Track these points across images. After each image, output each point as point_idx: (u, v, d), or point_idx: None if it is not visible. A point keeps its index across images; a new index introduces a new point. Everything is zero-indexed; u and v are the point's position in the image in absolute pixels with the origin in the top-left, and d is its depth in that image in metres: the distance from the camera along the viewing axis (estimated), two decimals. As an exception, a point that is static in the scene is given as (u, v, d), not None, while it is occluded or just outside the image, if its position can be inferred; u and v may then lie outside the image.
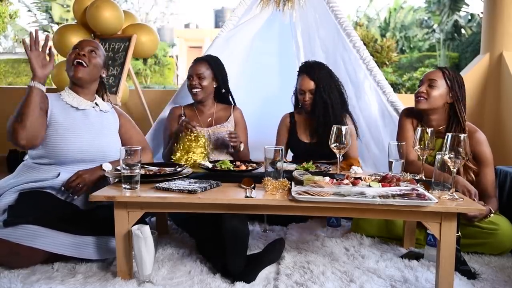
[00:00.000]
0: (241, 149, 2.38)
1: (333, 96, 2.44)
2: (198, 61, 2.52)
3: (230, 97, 2.60)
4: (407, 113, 2.25)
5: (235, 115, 2.55)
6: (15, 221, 1.69)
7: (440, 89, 2.10)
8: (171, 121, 2.52)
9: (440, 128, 2.12)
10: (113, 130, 2.08)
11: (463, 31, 14.41)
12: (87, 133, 1.94)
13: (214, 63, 2.50)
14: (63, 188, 1.85)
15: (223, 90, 2.56)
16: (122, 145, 2.04)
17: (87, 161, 1.91)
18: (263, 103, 3.08)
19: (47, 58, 1.83)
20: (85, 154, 1.91)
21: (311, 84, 2.43)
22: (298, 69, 2.56)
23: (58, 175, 1.86)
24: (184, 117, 2.45)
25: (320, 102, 2.42)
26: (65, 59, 2.24)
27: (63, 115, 1.93)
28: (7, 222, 1.70)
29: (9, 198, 1.82)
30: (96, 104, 2.04)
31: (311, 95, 2.45)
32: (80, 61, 1.95)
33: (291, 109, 2.64)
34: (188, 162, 2.16)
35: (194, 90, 2.45)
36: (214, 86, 2.50)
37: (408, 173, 1.93)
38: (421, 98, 2.13)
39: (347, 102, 2.55)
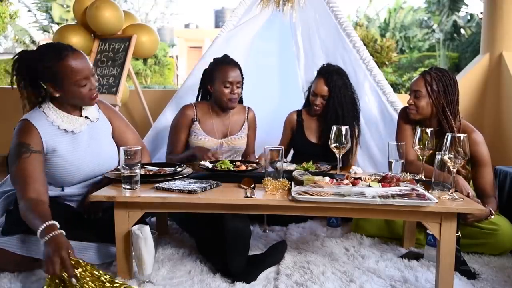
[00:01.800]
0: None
1: (346, 107, 2.40)
2: (233, 66, 2.33)
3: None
4: (405, 113, 2.25)
5: (249, 120, 2.49)
6: (14, 230, 1.67)
7: (426, 98, 2.10)
8: (181, 123, 2.37)
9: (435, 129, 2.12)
10: (107, 138, 1.93)
11: (462, 31, 14.41)
12: (85, 153, 1.81)
13: (241, 68, 2.38)
14: (86, 216, 1.78)
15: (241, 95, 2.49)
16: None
17: (88, 178, 1.86)
18: (263, 103, 3.07)
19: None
20: (86, 174, 1.83)
21: (325, 90, 2.41)
22: (318, 70, 2.53)
23: (62, 189, 1.82)
24: (198, 121, 2.35)
25: (333, 111, 2.39)
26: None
27: (60, 145, 1.75)
28: (5, 231, 1.68)
29: (6, 201, 1.79)
30: (87, 117, 1.84)
31: (323, 100, 2.42)
32: (95, 95, 1.79)
33: (291, 109, 2.63)
34: None
35: (234, 100, 2.30)
36: None
37: (408, 173, 1.93)
38: (412, 110, 2.15)
39: (359, 114, 2.50)
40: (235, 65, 2.36)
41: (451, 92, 2.09)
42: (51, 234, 1.41)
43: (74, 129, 1.79)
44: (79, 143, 1.81)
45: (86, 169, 1.82)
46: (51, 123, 1.76)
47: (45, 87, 1.74)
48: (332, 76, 2.41)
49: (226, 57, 2.40)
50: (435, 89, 2.08)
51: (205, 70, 2.47)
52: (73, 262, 1.36)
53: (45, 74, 1.70)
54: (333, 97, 2.39)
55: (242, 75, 2.39)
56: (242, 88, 2.42)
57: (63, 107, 1.79)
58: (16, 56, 1.75)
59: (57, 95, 1.73)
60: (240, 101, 2.54)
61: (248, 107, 2.53)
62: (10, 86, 1.78)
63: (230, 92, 2.29)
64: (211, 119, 2.40)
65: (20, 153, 1.67)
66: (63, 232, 1.45)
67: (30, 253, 1.66)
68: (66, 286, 1.35)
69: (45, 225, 1.44)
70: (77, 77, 1.69)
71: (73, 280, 1.33)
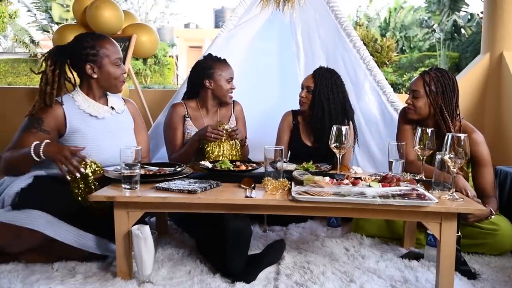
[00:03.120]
0: (246, 143, 2.37)
1: (333, 103, 2.37)
2: (227, 63, 2.47)
3: None
4: (405, 113, 2.25)
5: (236, 112, 2.56)
6: (21, 205, 1.70)
7: (424, 98, 2.10)
8: (175, 120, 2.43)
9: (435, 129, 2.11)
10: (130, 130, 2.09)
11: (463, 31, 14.39)
12: (108, 140, 1.93)
13: None
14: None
15: None
16: None
17: (108, 166, 1.88)
18: (263, 103, 3.08)
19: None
20: (107, 161, 1.89)
21: (310, 81, 2.42)
22: None
23: None
24: (189, 118, 2.43)
25: (319, 105, 2.37)
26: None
27: (83, 126, 1.90)
28: (15, 205, 1.71)
29: (24, 182, 1.80)
30: (112, 108, 2.02)
31: (307, 92, 2.43)
32: (124, 80, 2.03)
33: (291, 108, 2.62)
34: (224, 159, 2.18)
35: (232, 95, 2.46)
36: None
37: (408, 173, 1.93)
38: (410, 110, 2.16)
39: (351, 112, 2.47)
40: (228, 63, 2.48)
41: (450, 94, 2.08)
42: (42, 145, 1.71)
43: (98, 114, 1.95)
44: (100, 127, 1.95)
45: (105, 153, 1.90)
46: (77, 107, 1.93)
47: (84, 68, 1.91)
48: (320, 70, 2.45)
49: (219, 57, 2.49)
50: (433, 90, 2.08)
51: (199, 65, 2.48)
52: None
53: (87, 52, 1.89)
54: (318, 87, 2.38)
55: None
56: None
57: (92, 93, 1.96)
58: (52, 49, 1.94)
59: (95, 76, 1.92)
60: None
61: (234, 101, 2.58)
62: (37, 73, 1.90)
63: (231, 88, 2.44)
64: (201, 116, 2.47)
65: (31, 126, 1.83)
66: (48, 141, 1.74)
67: (35, 226, 1.65)
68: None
69: (32, 145, 1.71)
70: (115, 55, 1.95)
71: (88, 160, 1.71)
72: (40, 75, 1.89)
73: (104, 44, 1.94)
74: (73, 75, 1.98)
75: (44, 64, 1.89)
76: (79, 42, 1.93)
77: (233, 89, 2.45)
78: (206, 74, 2.42)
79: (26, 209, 1.69)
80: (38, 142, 1.73)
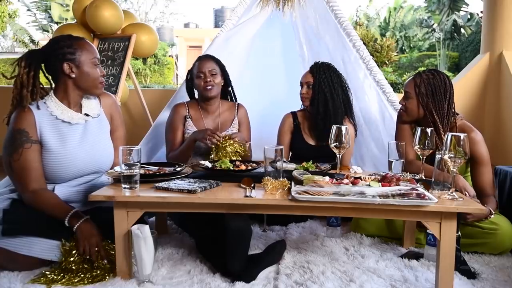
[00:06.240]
0: (247, 147, 2.32)
1: (335, 93, 2.40)
2: (205, 58, 2.42)
3: (232, 92, 2.58)
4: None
5: (239, 116, 2.50)
6: (14, 231, 1.67)
7: (414, 100, 2.10)
8: (175, 121, 2.41)
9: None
10: (104, 135, 1.95)
11: (462, 30, 14.39)
12: (82, 148, 1.84)
13: (218, 60, 2.45)
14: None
15: (229, 88, 2.54)
16: None
17: (82, 174, 1.87)
18: (265, 102, 3.08)
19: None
20: (79, 169, 1.84)
21: (309, 77, 2.43)
22: None
23: (53, 189, 1.80)
24: (190, 118, 2.41)
25: (321, 98, 2.38)
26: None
27: (54, 135, 1.79)
28: (5, 231, 1.67)
29: (1, 204, 1.76)
30: (87, 115, 1.89)
31: (308, 88, 2.43)
32: (104, 82, 1.91)
33: (294, 109, 2.62)
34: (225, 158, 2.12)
35: (209, 87, 2.34)
36: (222, 83, 2.45)
37: (408, 173, 1.93)
38: (402, 111, 2.17)
39: (352, 106, 2.52)
40: (210, 57, 2.44)
41: (440, 96, 2.07)
42: (78, 223, 1.66)
43: (71, 120, 1.83)
44: (73, 136, 1.84)
45: (79, 163, 1.83)
46: (50, 113, 1.81)
47: (62, 68, 1.79)
48: (317, 65, 2.47)
49: (204, 54, 2.47)
50: (422, 92, 2.08)
51: (188, 71, 2.53)
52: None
53: (64, 51, 1.79)
54: (318, 82, 2.40)
55: (221, 67, 2.43)
56: (225, 79, 2.47)
57: (67, 99, 1.84)
58: (26, 52, 1.86)
59: (73, 75, 1.81)
60: (230, 97, 2.57)
61: (239, 104, 2.55)
62: (10, 77, 1.84)
63: (204, 81, 2.36)
64: (202, 117, 2.45)
65: (22, 142, 1.73)
66: (88, 217, 1.69)
67: (31, 253, 1.65)
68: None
69: (69, 216, 1.67)
70: (93, 55, 1.85)
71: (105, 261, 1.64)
72: (13, 80, 1.79)
73: (81, 44, 1.83)
74: (48, 80, 1.89)
75: (17, 68, 1.78)
76: (56, 43, 1.82)
77: (206, 82, 2.34)
78: (191, 77, 2.48)
79: (20, 235, 1.66)
80: (73, 214, 1.68)
